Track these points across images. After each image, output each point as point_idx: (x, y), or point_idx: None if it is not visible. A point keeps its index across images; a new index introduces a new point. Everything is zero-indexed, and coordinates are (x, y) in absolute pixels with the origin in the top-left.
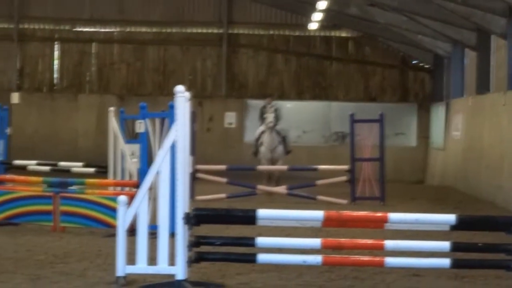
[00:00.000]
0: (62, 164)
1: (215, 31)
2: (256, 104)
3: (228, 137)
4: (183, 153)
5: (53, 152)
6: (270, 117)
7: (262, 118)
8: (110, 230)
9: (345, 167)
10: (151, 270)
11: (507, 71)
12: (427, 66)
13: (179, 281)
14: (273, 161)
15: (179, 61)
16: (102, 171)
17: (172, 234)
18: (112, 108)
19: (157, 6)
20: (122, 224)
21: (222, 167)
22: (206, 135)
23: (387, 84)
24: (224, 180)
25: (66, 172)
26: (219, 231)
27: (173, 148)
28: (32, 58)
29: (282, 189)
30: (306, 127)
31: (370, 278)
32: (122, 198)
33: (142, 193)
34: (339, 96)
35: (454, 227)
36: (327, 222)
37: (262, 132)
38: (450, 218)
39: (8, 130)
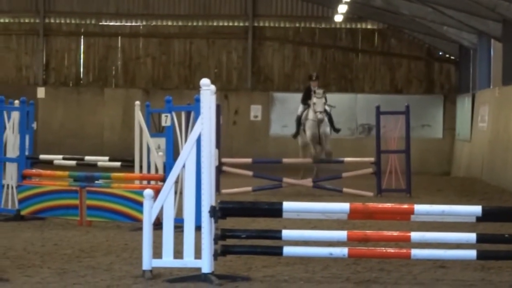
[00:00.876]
0: (88, 158)
1: (241, 24)
2: (282, 97)
3: (254, 130)
4: (209, 147)
5: (79, 147)
6: (319, 104)
7: (305, 101)
8: (136, 224)
9: (371, 159)
10: (177, 263)
11: None
12: (452, 58)
13: (205, 274)
14: (319, 140)
15: (204, 55)
16: (128, 165)
17: (198, 228)
18: (138, 102)
19: None
20: (148, 217)
21: (248, 160)
22: (232, 128)
23: (412, 76)
24: (250, 173)
25: (92, 166)
26: (245, 224)
27: (198, 141)
28: (58, 53)
29: (308, 181)
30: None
31: (397, 270)
32: (148, 192)
33: (168, 187)
34: (365, 88)
35: (480, 219)
36: (353, 214)
37: (305, 111)
38: (477, 209)
39: (34, 125)
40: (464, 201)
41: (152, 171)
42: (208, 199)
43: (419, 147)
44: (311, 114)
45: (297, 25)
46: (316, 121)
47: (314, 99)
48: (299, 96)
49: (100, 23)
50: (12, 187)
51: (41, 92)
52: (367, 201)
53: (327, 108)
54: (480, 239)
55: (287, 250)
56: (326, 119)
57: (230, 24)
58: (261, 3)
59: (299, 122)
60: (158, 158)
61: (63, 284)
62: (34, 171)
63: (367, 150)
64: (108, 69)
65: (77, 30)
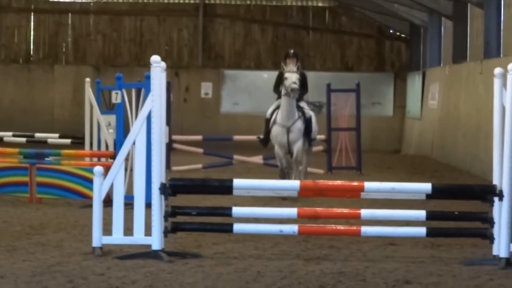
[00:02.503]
0: (38, 135)
1: (192, 1)
2: (233, 74)
3: (205, 107)
4: (159, 124)
5: (29, 124)
6: (292, 77)
7: (277, 89)
8: (86, 201)
9: (322, 136)
10: (128, 240)
11: (483, 40)
12: (403, 36)
13: (155, 251)
14: (289, 147)
15: (155, 32)
16: (79, 142)
17: (148, 205)
18: (88, 79)
19: None
20: (98, 195)
21: (199, 137)
22: (183, 106)
23: (363, 54)
24: (200, 150)
25: (43, 143)
26: (196, 201)
27: (149, 118)
28: (8, 29)
29: (258, 159)
30: None
31: (347, 247)
32: (98, 169)
33: (118, 164)
34: (316, 66)
35: (430, 196)
36: (303, 191)
37: (277, 108)
38: (426, 187)
39: None
40: (414, 178)
41: (103, 148)
42: (158, 176)
43: (369, 125)
44: (279, 117)
45: (248, 2)
46: (285, 128)
47: (285, 74)
48: (250, 73)
49: (50, 0)
50: None
51: None
52: (318, 178)
53: (305, 106)
54: (430, 216)
55: (237, 227)
56: (298, 122)
57: (181, 1)
58: None
59: (267, 126)
60: (108, 135)
61: (12, 261)
62: None
63: (318, 127)
64: (58, 46)
65: (27, 6)
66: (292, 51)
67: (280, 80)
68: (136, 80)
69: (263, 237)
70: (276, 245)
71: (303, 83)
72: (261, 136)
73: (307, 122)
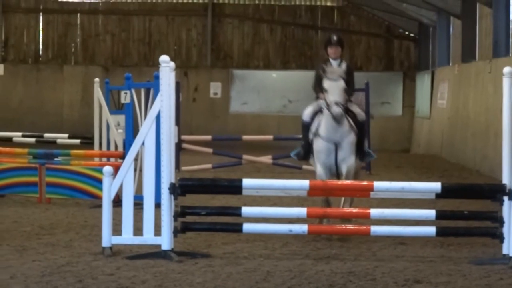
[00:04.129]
0: (48, 135)
1: (200, 1)
2: (242, 74)
3: (214, 107)
4: (168, 124)
5: (38, 124)
6: (335, 90)
7: (318, 88)
8: (95, 201)
9: None
10: (137, 240)
11: (492, 39)
12: (412, 35)
13: (165, 251)
14: (338, 172)
15: (164, 32)
16: (88, 142)
17: (158, 205)
18: (97, 79)
19: None
20: (107, 195)
21: (208, 137)
22: (192, 106)
23: (372, 53)
24: (209, 150)
25: (52, 143)
26: (205, 201)
27: (158, 118)
28: (17, 30)
29: (267, 159)
30: (292, 97)
31: (356, 247)
32: (108, 169)
33: (128, 164)
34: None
35: (440, 195)
36: (313, 191)
37: (319, 111)
38: (436, 186)
39: None
40: (423, 178)
41: (112, 148)
42: (168, 176)
43: (378, 125)
44: (323, 128)
45: (257, 2)
46: (332, 144)
47: (325, 83)
48: (259, 73)
49: (59, 0)
50: None
51: (1, 69)
52: None
53: (356, 108)
54: (440, 215)
55: (247, 227)
56: (350, 136)
57: (190, 1)
58: None
59: (306, 137)
60: (117, 135)
61: (22, 261)
62: None
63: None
64: (67, 46)
65: (36, 7)
66: (335, 37)
67: (318, 81)
68: (145, 80)
69: (272, 237)
70: (286, 244)
71: (349, 79)
72: (298, 151)
73: (360, 129)
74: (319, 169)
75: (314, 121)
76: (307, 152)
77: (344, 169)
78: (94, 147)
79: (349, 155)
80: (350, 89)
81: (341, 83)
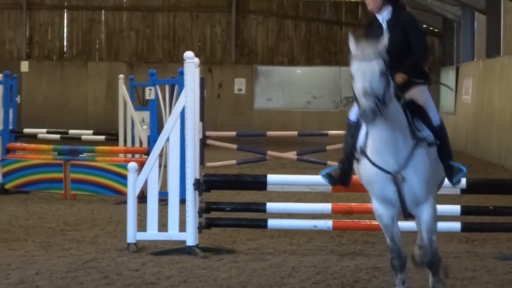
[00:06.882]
0: (72, 132)
1: None
2: (266, 70)
3: (238, 103)
4: (193, 120)
5: (63, 120)
6: (366, 78)
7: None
8: (120, 197)
9: None
10: (162, 236)
11: None
12: (436, 30)
13: (190, 247)
14: (404, 206)
15: (188, 28)
16: (112, 138)
17: (183, 201)
18: (121, 76)
19: None
20: (132, 191)
21: (232, 133)
22: (216, 102)
23: None
24: (234, 146)
25: (77, 140)
26: (230, 197)
27: (182, 114)
28: (41, 26)
29: (292, 154)
30: (316, 93)
31: (381, 242)
32: (132, 165)
33: (152, 160)
34: (349, 61)
35: (465, 191)
36: (337, 187)
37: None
38: (461, 181)
39: (18, 99)
40: None
41: (136, 144)
42: (192, 172)
43: None
44: (372, 149)
45: None
46: (390, 176)
47: (353, 65)
48: (283, 69)
49: None
50: None
51: (24, 66)
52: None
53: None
54: (465, 211)
55: (272, 222)
56: (420, 157)
57: None
58: None
59: (349, 148)
60: (142, 132)
61: (47, 257)
62: (18, 144)
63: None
64: (91, 43)
65: (60, 3)
66: None
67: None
68: (169, 76)
69: (297, 233)
70: (310, 240)
71: (413, 42)
72: (332, 170)
73: (440, 137)
74: (376, 206)
75: (362, 128)
76: (345, 175)
77: (420, 214)
78: (118, 143)
79: (422, 191)
80: (412, 58)
81: (377, 64)
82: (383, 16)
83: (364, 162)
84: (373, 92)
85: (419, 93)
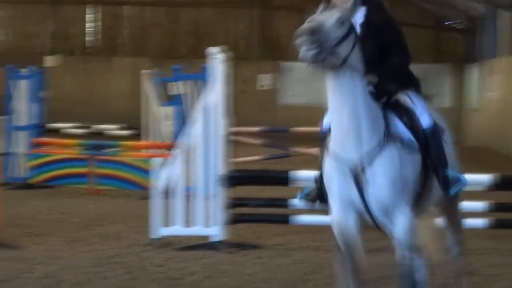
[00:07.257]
0: (97, 126)
1: None
2: (290, 66)
3: (262, 99)
4: (217, 115)
5: (87, 115)
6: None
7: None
8: (145, 192)
9: None
10: (186, 232)
11: None
12: (460, 27)
13: (214, 243)
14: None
15: (212, 23)
16: (137, 133)
17: (207, 196)
18: (145, 71)
19: None
20: (157, 186)
21: (256, 129)
22: (240, 97)
23: (420, 46)
24: (259, 142)
25: (101, 134)
26: (255, 192)
27: (206, 110)
28: (65, 22)
29: (316, 150)
30: None
31: None
32: (157, 160)
33: (177, 155)
34: None
35: (492, 187)
36: None
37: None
38: (489, 178)
39: (43, 93)
40: (474, 170)
41: (161, 139)
42: (217, 168)
43: None
44: (332, 134)
45: None
46: (347, 167)
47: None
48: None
49: None
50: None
51: (51, 60)
52: None
53: (412, 100)
54: (491, 208)
55: (296, 218)
56: (388, 154)
57: None
58: None
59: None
60: (166, 127)
61: (71, 252)
62: (43, 139)
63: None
64: (115, 38)
65: None
66: None
67: None
68: (193, 71)
69: (321, 229)
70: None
71: (392, 45)
72: (308, 190)
73: (431, 147)
74: (334, 210)
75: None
76: (323, 191)
77: (392, 232)
78: (143, 138)
79: (388, 197)
80: (394, 62)
81: (338, 12)
82: (356, 20)
83: (327, 158)
84: (320, 30)
85: (406, 97)
